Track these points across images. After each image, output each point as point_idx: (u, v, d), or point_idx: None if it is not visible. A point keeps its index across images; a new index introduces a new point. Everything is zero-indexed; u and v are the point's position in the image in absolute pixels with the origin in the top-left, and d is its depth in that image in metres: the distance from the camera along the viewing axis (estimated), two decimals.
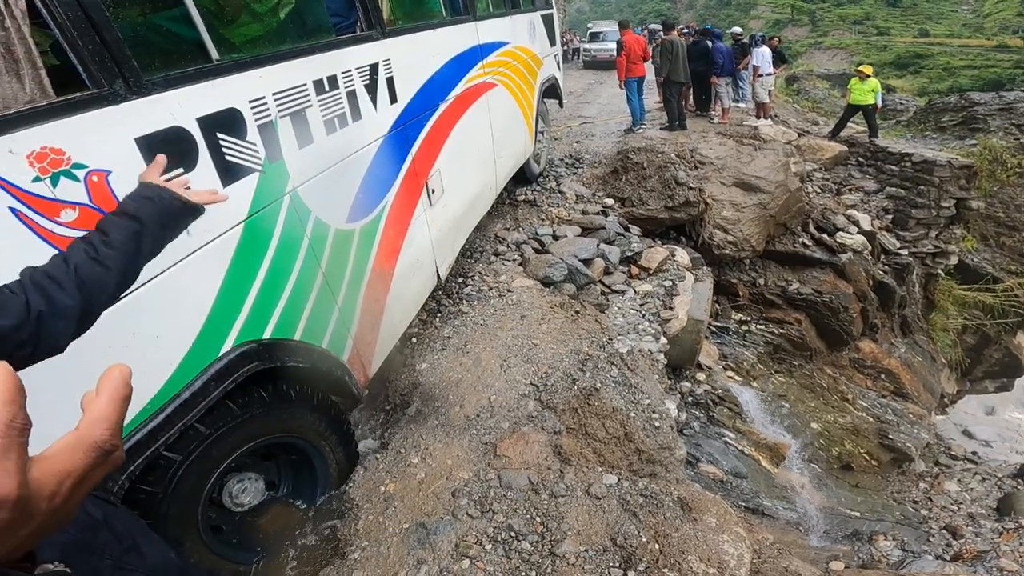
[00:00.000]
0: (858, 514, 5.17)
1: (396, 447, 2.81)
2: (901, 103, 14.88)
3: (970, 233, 9.74)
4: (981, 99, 10.65)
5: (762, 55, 9.65)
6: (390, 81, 2.84)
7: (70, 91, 1.28)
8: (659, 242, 5.88)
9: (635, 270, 5.07)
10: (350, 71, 2.48)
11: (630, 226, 5.74)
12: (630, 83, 8.28)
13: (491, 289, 4.20)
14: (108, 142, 1.33)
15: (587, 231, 5.33)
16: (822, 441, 6.18)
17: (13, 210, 1.13)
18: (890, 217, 9.07)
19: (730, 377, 6.01)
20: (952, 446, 8.47)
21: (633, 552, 2.26)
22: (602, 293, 4.62)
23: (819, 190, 8.89)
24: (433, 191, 3.33)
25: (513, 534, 2.32)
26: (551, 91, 6.54)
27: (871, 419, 6.96)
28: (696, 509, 2.49)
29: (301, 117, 2.13)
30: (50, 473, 0.43)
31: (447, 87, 3.58)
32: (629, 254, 5.17)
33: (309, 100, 2.18)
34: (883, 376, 7.99)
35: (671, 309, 4.51)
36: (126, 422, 1.40)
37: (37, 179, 1.17)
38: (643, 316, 4.33)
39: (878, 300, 8.23)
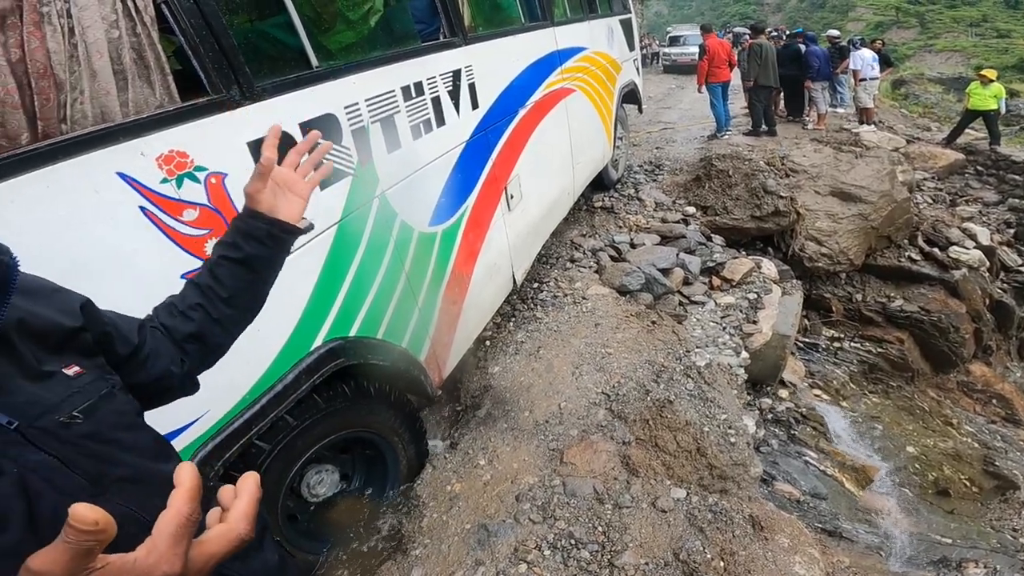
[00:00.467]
0: (949, 540, 4.66)
1: (464, 448, 2.85)
2: None
3: None
4: None
5: (862, 58, 9.02)
6: (472, 87, 2.89)
7: (188, 97, 1.39)
8: (744, 253, 5.59)
9: (717, 281, 4.85)
10: (434, 77, 2.55)
11: (712, 236, 5.51)
12: (714, 88, 8.01)
13: (566, 296, 4.16)
14: (225, 146, 1.44)
15: (666, 240, 5.17)
16: (917, 465, 5.65)
17: (143, 209, 1.23)
18: (1012, 231, 8.14)
19: (816, 395, 5.63)
20: None
21: (696, 568, 2.18)
22: (680, 304, 4.45)
23: (930, 201, 8.12)
24: (512, 196, 3.36)
25: (573, 542, 2.30)
26: (630, 96, 6.44)
27: (976, 445, 6.27)
28: (768, 528, 2.38)
29: (390, 122, 2.21)
30: (203, 555, 0.56)
31: (526, 93, 3.61)
32: (711, 265, 4.95)
33: (397, 106, 2.26)
34: (994, 401, 7.16)
35: (755, 323, 4.29)
36: (225, 412, 1.51)
37: (165, 180, 1.27)
38: (724, 329, 4.14)
39: (994, 321, 7.39)
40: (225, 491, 0.63)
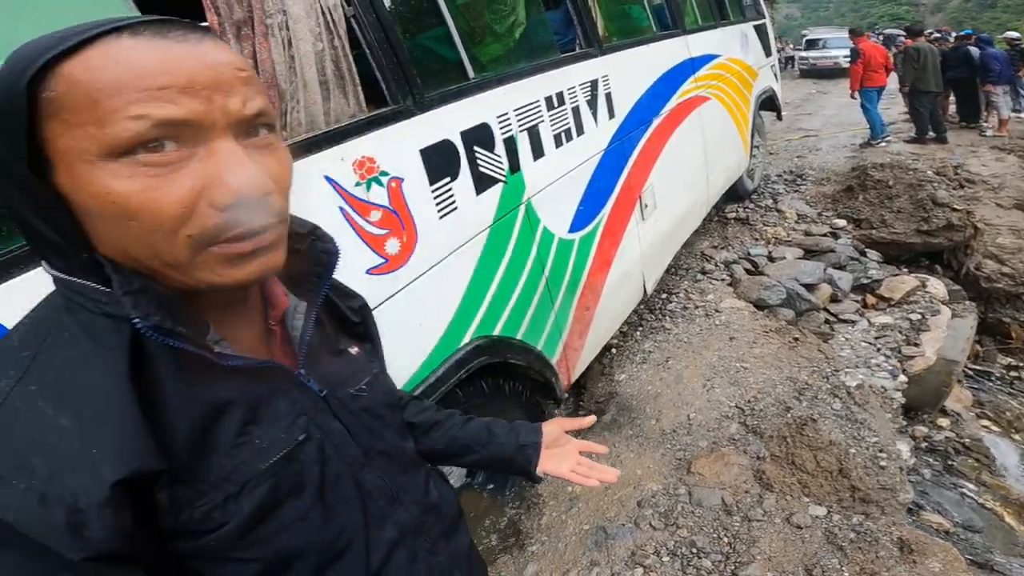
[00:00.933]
0: None
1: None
2: None
3: None
4: None
5: None
6: (608, 97, 2.91)
7: (368, 107, 1.55)
8: (905, 270, 4.99)
9: (871, 299, 4.38)
10: (574, 87, 2.60)
11: (867, 251, 4.98)
12: (868, 93, 7.31)
13: (697, 308, 4.00)
14: (402, 152, 1.58)
15: (811, 254, 4.77)
16: None
17: (341, 209, 1.40)
18: None
19: (984, 426, 4.89)
20: None
21: None
22: (826, 322, 4.09)
23: None
24: (646, 205, 3.31)
25: (695, 550, 2.24)
26: (768, 103, 6.11)
27: None
28: (918, 552, 2.19)
29: (535, 131, 2.29)
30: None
31: (661, 101, 3.56)
32: (865, 281, 4.48)
33: (541, 115, 2.34)
34: None
35: (916, 345, 3.85)
36: None
37: (358, 184, 1.43)
38: (878, 350, 3.78)
39: None
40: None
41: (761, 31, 5.94)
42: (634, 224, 3.18)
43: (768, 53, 6.17)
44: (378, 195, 1.49)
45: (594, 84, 2.80)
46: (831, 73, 17.18)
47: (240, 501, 0.53)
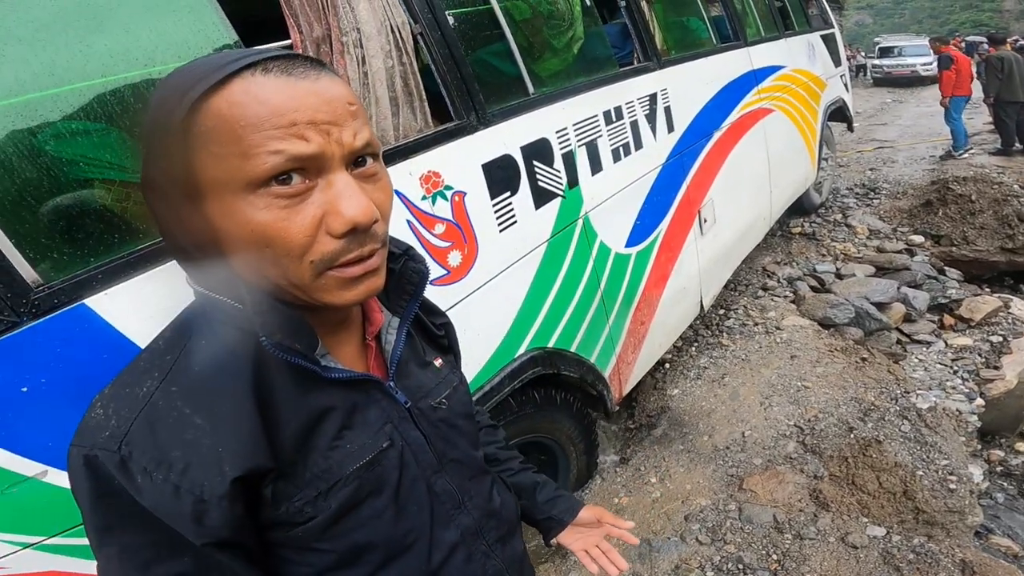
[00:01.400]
0: None
1: (636, 464, 2.85)
2: None
3: None
4: None
5: None
6: (667, 110, 2.89)
7: (433, 122, 1.60)
8: (987, 289, 4.65)
9: (950, 320, 4.11)
10: (632, 102, 2.60)
11: (946, 269, 4.67)
12: (956, 102, 6.91)
13: (756, 324, 3.87)
14: (466, 167, 1.64)
15: (883, 271, 4.52)
16: None
17: (408, 222, 1.46)
18: None
19: None
20: None
21: None
22: (898, 342, 3.89)
23: None
24: (705, 220, 3.25)
25: (742, 567, 2.19)
26: (837, 113, 5.87)
27: None
28: (981, 574, 2.10)
29: (593, 146, 2.31)
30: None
31: (722, 114, 3.49)
32: (943, 301, 4.21)
33: (599, 130, 2.35)
34: None
35: (997, 368, 3.62)
36: None
37: (424, 197, 1.50)
38: (955, 372, 3.59)
39: None
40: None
41: (829, 40, 5.76)
42: (692, 239, 3.12)
43: (837, 63, 5.96)
44: (442, 209, 1.55)
45: (652, 98, 2.79)
46: (908, 82, 16.43)
47: (329, 498, 0.58)
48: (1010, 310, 4.14)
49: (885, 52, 18.41)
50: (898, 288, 4.17)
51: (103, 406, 0.52)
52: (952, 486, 2.63)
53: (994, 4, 62.23)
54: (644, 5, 2.89)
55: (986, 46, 7.49)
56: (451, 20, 1.68)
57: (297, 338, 0.55)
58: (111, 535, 0.50)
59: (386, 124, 1.47)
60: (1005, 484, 3.85)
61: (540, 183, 1.96)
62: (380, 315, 0.69)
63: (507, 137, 1.83)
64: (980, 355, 3.73)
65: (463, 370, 1.57)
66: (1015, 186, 5.19)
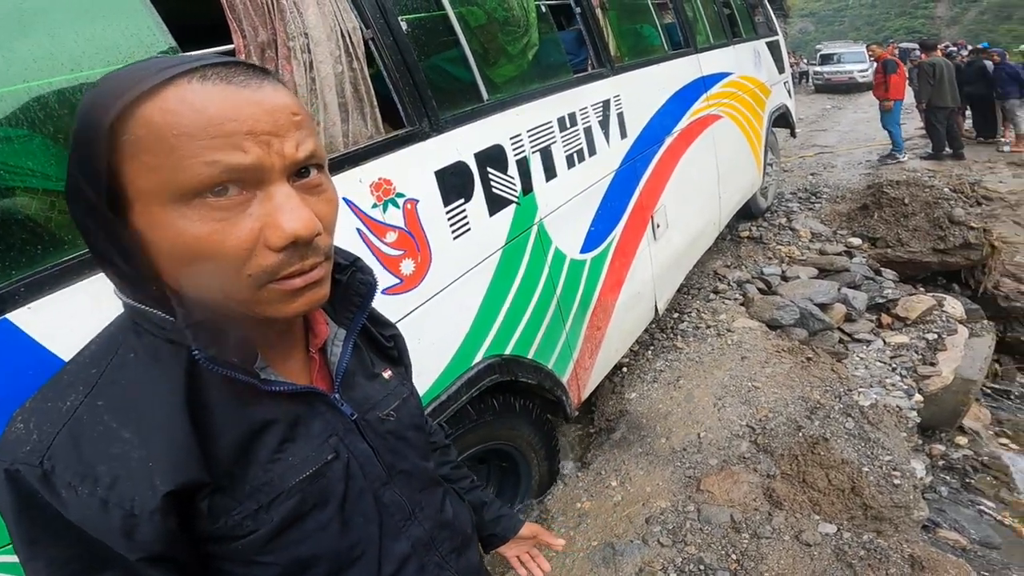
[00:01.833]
0: None
1: (597, 468, 2.88)
2: None
3: None
4: None
5: None
6: (620, 116, 2.93)
7: (385, 128, 1.57)
8: (921, 289, 4.93)
9: (887, 319, 4.34)
10: (586, 108, 2.63)
11: (882, 270, 4.93)
12: (897, 106, 7.26)
13: (708, 327, 3.98)
14: (418, 174, 1.61)
15: (825, 273, 4.73)
16: None
17: (358, 231, 1.43)
18: None
19: (1003, 444, 4.82)
20: None
21: None
22: (840, 341, 4.07)
23: None
24: (658, 226, 3.32)
25: (703, 567, 2.24)
26: (781, 120, 6.12)
27: None
28: (930, 569, 2.18)
29: (547, 152, 2.31)
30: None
31: (673, 120, 3.58)
32: (880, 301, 4.44)
33: (554, 136, 2.36)
34: None
35: (933, 365, 3.83)
36: None
37: (375, 205, 1.46)
38: (893, 370, 3.76)
39: None
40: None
41: (774, 48, 5.96)
42: (646, 244, 3.18)
43: (781, 70, 6.19)
44: (394, 216, 1.52)
45: (606, 104, 2.83)
46: (847, 88, 17.04)
47: (271, 511, 0.57)
48: (944, 308, 4.40)
49: (825, 59, 18.99)
50: (839, 289, 4.37)
51: (24, 420, 0.51)
52: (896, 481, 2.74)
53: (927, 11, 66.41)
54: (599, 12, 2.92)
55: (918, 52, 7.82)
56: (404, 25, 1.65)
57: (234, 351, 0.54)
58: (37, 548, 0.50)
59: (335, 131, 1.43)
60: (948, 478, 4.08)
61: (494, 190, 1.95)
62: (325, 327, 0.69)
63: (461, 144, 1.81)
64: (917, 352, 3.93)
65: (418, 379, 1.57)
66: (945, 189, 5.54)
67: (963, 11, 62.49)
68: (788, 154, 8.56)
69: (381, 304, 1.50)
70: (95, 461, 0.49)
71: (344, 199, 1.38)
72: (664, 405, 3.28)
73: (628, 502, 2.62)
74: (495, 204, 1.95)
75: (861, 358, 3.87)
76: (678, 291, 4.32)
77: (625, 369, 3.69)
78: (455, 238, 1.76)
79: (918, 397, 3.52)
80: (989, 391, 5.46)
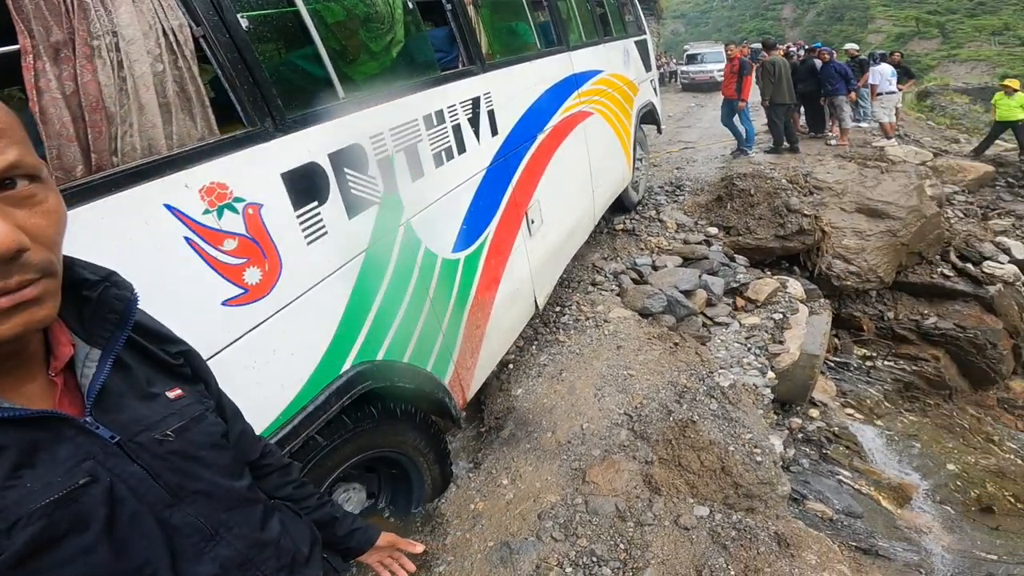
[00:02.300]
0: (995, 557, 4.46)
1: (488, 468, 2.89)
2: None
3: None
4: None
5: (880, 73, 8.93)
6: (491, 114, 2.96)
7: (222, 128, 1.46)
8: (768, 273, 5.54)
9: (741, 302, 4.81)
10: (455, 105, 2.62)
11: (736, 256, 5.47)
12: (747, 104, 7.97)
13: (588, 319, 4.16)
14: (260, 177, 1.51)
15: (689, 261, 5.15)
16: (959, 483, 5.48)
17: (187, 239, 1.30)
18: None
19: (849, 415, 5.53)
20: None
21: None
22: (704, 325, 4.43)
23: (961, 215, 7.93)
24: (533, 221, 3.40)
25: (595, 559, 2.31)
26: (649, 117, 6.48)
27: (1020, 461, 6.05)
28: (795, 545, 2.36)
29: (413, 151, 2.27)
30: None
31: (545, 117, 3.67)
32: (734, 285, 4.92)
33: (420, 135, 2.33)
34: None
35: (781, 343, 4.26)
36: (260, 432, 1.55)
37: (207, 211, 1.34)
38: (748, 350, 4.13)
39: None
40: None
41: (642, 46, 6.29)
42: (521, 240, 3.25)
43: (648, 68, 6.53)
44: (232, 223, 1.40)
45: (476, 102, 2.83)
46: (709, 87, 18.15)
47: (12, 537, 0.55)
48: (787, 290, 4.94)
49: (691, 59, 20.27)
50: (700, 276, 4.78)
51: None
52: (759, 458, 2.95)
53: (775, 13, 74.45)
54: (470, 9, 2.91)
55: (762, 52, 8.57)
56: (244, 22, 1.53)
57: None
58: None
59: (155, 132, 1.29)
60: (807, 450, 4.54)
61: (353, 191, 1.88)
62: (68, 348, 0.65)
63: (312, 144, 1.72)
64: (767, 332, 4.34)
65: (279, 392, 1.49)
66: (783, 181, 6.24)
67: (804, 13, 70.98)
68: (657, 150, 9.18)
69: (224, 316, 1.40)
70: None
71: (166, 206, 1.26)
72: (549, 399, 3.36)
73: (520, 499, 2.65)
74: (355, 206, 1.88)
75: (721, 340, 4.23)
76: (558, 284, 4.46)
77: (511, 365, 3.74)
78: (309, 243, 1.67)
79: (771, 375, 3.88)
80: (832, 364, 6.26)
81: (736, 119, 8.18)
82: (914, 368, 6.46)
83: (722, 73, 9.59)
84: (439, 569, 2.33)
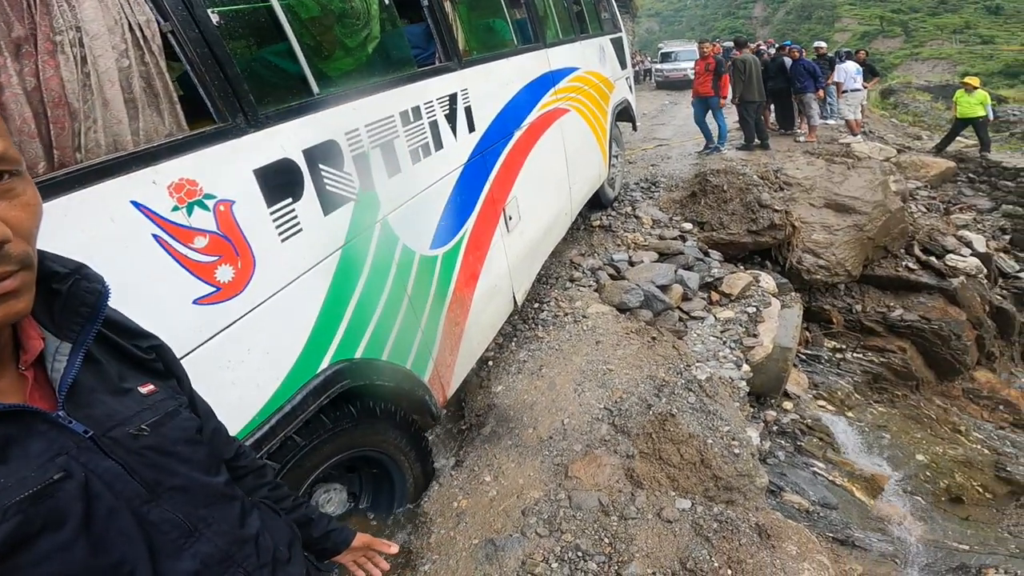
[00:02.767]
0: (967, 547, 4.62)
1: (470, 465, 2.88)
2: (1015, 114, 13.60)
3: None
4: None
5: (845, 71, 9.16)
6: (468, 110, 2.95)
7: (193, 124, 1.44)
8: (742, 267, 5.64)
9: (715, 296, 4.89)
10: (431, 102, 2.61)
11: (710, 251, 5.56)
12: (715, 101, 8.06)
13: (566, 315, 4.19)
14: (232, 174, 1.48)
15: (664, 257, 5.22)
16: (928, 473, 5.64)
17: (155, 236, 1.27)
18: (1007, 237, 8.22)
19: (821, 407, 5.64)
20: None
21: None
22: (680, 319, 4.50)
23: (924, 210, 8.20)
24: (510, 218, 3.40)
25: (580, 554, 2.32)
26: (624, 114, 6.52)
27: (986, 451, 6.26)
28: (775, 536, 2.40)
29: (390, 147, 2.26)
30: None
31: (521, 114, 3.68)
32: (709, 280, 5.00)
33: (396, 131, 2.31)
34: (1001, 407, 7.14)
35: (755, 336, 4.33)
36: (236, 432, 1.52)
37: (176, 208, 1.31)
38: (724, 343, 4.19)
39: (996, 327, 7.40)
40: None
41: (617, 44, 6.32)
42: (499, 237, 3.25)
43: (624, 65, 6.57)
44: (203, 220, 1.37)
45: (453, 98, 2.82)
46: (683, 85, 18.17)
47: None
48: (760, 284, 5.04)
49: (665, 57, 20.55)
50: (675, 271, 4.85)
51: None
52: (736, 450, 2.99)
53: (747, 11, 75.85)
54: (447, 5, 2.89)
55: (734, 50, 8.61)
56: (215, 18, 1.50)
57: None
58: None
59: (120, 128, 1.26)
60: (783, 442, 4.61)
61: (329, 187, 1.85)
62: (38, 341, 0.65)
63: (286, 140, 1.69)
64: (741, 325, 4.42)
65: (254, 392, 1.47)
66: (755, 177, 6.36)
67: (774, 12, 72.45)
68: (632, 147, 9.27)
69: (195, 315, 1.37)
70: None
71: (133, 203, 1.22)
72: (529, 395, 3.37)
73: (503, 496, 2.65)
74: (331, 203, 1.86)
75: (698, 334, 4.29)
76: (537, 281, 4.48)
77: (491, 363, 3.75)
78: (284, 240, 1.65)
79: (746, 367, 3.94)
80: (804, 357, 6.40)
81: (710, 116, 8.29)
82: (882, 360, 6.64)
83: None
84: (424, 568, 2.32)
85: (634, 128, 7.48)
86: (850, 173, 6.99)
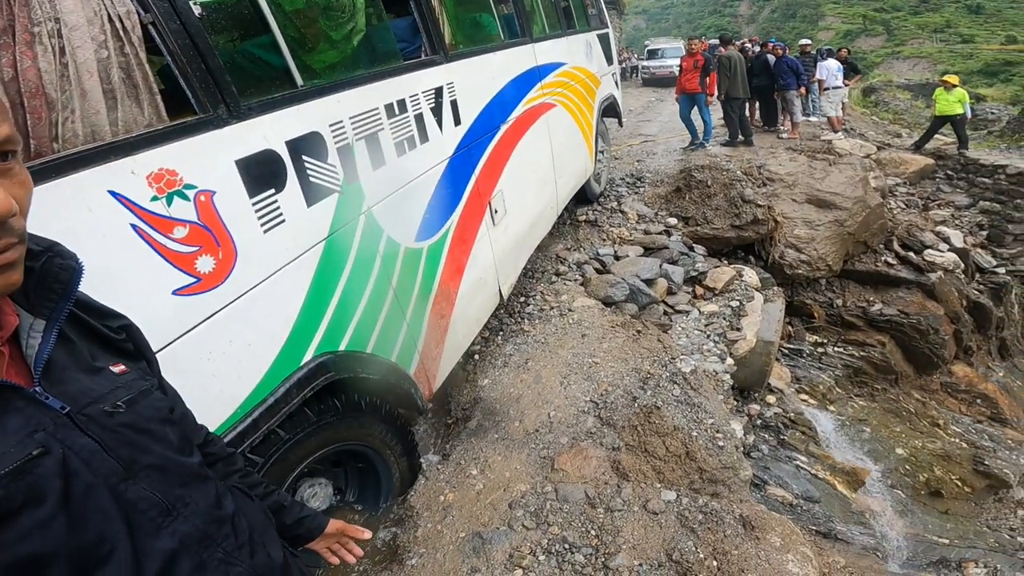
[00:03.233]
0: (946, 541, 4.72)
1: (456, 459, 2.88)
2: (993, 112, 13.87)
3: None
4: None
5: (827, 68, 9.28)
6: (454, 104, 2.95)
7: (175, 115, 1.43)
8: (726, 262, 5.70)
9: (700, 290, 4.94)
10: (417, 95, 2.60)
11: (695, 246, 5.61)
12: (701, 98, 8.11)
13: (552, 308, 4.21)
14: (213, 164, 1.47)
15: (649, 251, 5.26)
16: (908, 467, 5.74)
17: (134, 226, 1.26)
18: (984, 233, 8.39)
19: (804, 400, 5.71)
20: None
21: (689, 568, 2.21)
22: (665, 313, 4.54)
23: (903, 206, 8.35)
24: (496, 211, 3.41)
25: (567, 546, 2.33)
26: (610, 110, 6.55)
27: (964, 445, 6.39)
28: (759, 528, 2.42)
29: (374, 140, 2.25)
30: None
31: (508, 108, 3.68)
32: (694, 274, 5.05)
33: (381, 123, 2.31)
34: (979, 401, 7.31)
35: (738, 330, 4.38)
36: (218, 425, 1.51)
37: (155, 198, 1.30)
38: (708, 337, 4.23)
39: (973, 322, 7.56)
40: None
41: (604, 40, 6.33)
42: (485, 230, 3.25)
43: (610, 61, 6.59)
44: (183, 210, 1.36)
45: (439, 91, 2.81)
46: (669, 82, 18.35)
47: None
48: (743, 278, 5.10)
49: (651, 54, 20.61)
50: (660, 265, 4.89)
51: None
52: (721, 443, 3.02)
53: (732, 9, 76.43)
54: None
55: (720, 47, 8.65)
56: (197, 10, 1.49)
57: None
58: None
59: (99, 119, 1.25)
60: (766, 436, 4.65)
61: (312, 179, 1.84)
62: (13, 317, 0.65)
63: (268, 131, 1.68)
64: (725, 319, 4.47)
65: (236, 384, 1.46)
66: (738, 172, 6.43)
67: (759, 10, 73.07)
68: (618, 143, 9.31)
69: (174, 305, 1.36)
70: None
71: (111, 192, 1.21)
72: (515, 389, 3.37)
73: (490, 489, 2.65)
74: (314, 194, 1.85)
75: (682, 328, 4.33)
76: (523, 275, 4.48)
77: (477, 356, 3.75)
78: (266, 231, 1.64)
79: (730, 361, 3.99)
80: (786, 351, 6.48)
81: (695, 112, 8.36)
82: (862, 354, 6.76)
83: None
84: (411, 562, 2.31)
85: (620, 124, 7.51)
86: (831, 169, 7.09)
